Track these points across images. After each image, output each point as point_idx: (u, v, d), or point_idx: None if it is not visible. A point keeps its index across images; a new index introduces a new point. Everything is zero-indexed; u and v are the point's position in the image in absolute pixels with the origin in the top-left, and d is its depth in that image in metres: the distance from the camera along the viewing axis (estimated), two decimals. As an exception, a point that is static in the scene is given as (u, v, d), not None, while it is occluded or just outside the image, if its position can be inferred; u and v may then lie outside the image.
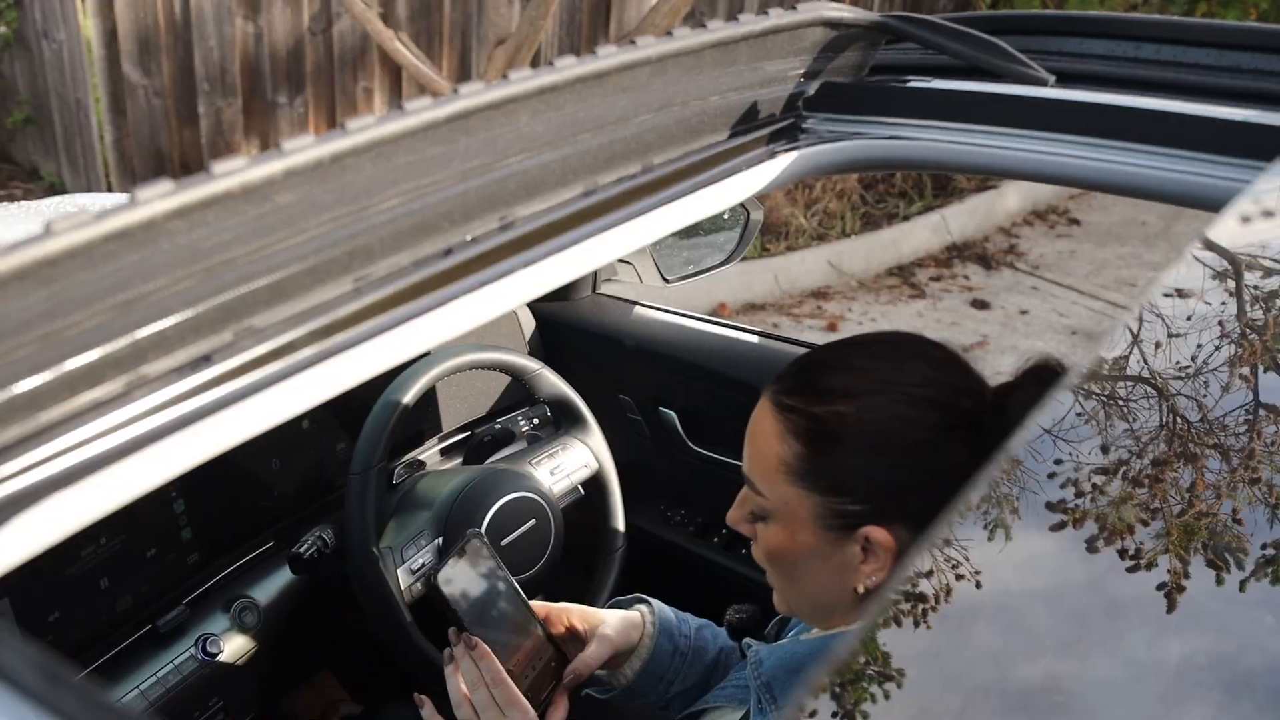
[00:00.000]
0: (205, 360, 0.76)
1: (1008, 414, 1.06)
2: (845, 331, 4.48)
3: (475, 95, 0.88)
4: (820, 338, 4.10)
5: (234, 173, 0.73)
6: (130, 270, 0.72)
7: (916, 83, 1.22)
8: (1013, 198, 5.67)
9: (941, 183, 5.61)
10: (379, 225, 0.87)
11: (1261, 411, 0.87)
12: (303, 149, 0.77)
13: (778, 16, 1.16)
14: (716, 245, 2.26)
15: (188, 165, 4.97)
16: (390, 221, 0.88)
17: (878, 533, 1.07)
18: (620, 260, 2.17)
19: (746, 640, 1.24)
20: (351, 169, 0.83)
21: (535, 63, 5.29)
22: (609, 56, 0.98)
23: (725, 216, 2.21)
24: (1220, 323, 0.96)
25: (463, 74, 5.40)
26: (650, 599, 1.48)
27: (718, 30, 1.09)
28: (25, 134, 5.23)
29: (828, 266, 4.93)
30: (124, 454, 0.69)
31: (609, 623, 1.41)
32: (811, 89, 1.23)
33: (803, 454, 1.09)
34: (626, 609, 1.46)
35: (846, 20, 1.23)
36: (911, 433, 1.06)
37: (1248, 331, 0.99)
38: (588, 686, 1.45)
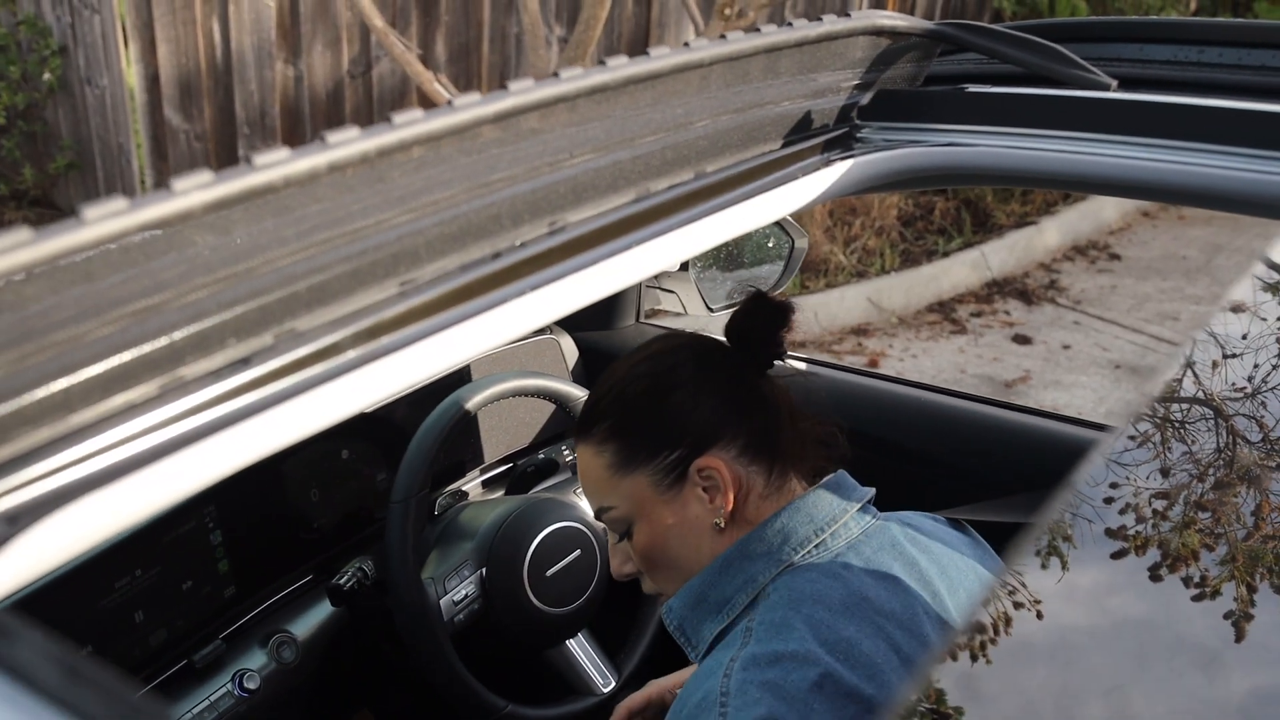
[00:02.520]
0: (244, 363, 0.73)
1: (742, 333, 1.27)
2: (885, 368, 4.42)
3: (526, 93, 0.84)
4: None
5: (277, 164, 0.70)
6: (167, 265, 0.69)
7: (974, 89, 1.19)
8: (1052, 234, 5.61)
9: (980, 219, 5.56)
10: (425, 228, 0.84)
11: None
12: (348, 142, 0.74)
13: (831, 23, 1.13)
14: (761, 274, 2.23)
15: (227, 208, 5.01)
16: (437, 224, 0.84)
17: (706, 460, 1.19)
18: (664, 290, 2.14)
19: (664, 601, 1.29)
20: (398, 166, 0.80)
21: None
22: (662, 58, 0.95)
23: (770, 245, 2.18)
24: (1278, 339, 0.93)
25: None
26: None
27: (771, 35, 1.06)
28: (67, 179, 5.29)
29: (867, 303, 4.88)
30: (157, 457, 0.66)
31: None
32: (865, 98, 1.20)
33: (616, 447, 1.22)
34: None
35: (901, 28, 1.20)
36: (673, 375, 1.22)
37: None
38: None
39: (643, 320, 2.22)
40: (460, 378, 1.84)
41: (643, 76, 0.95)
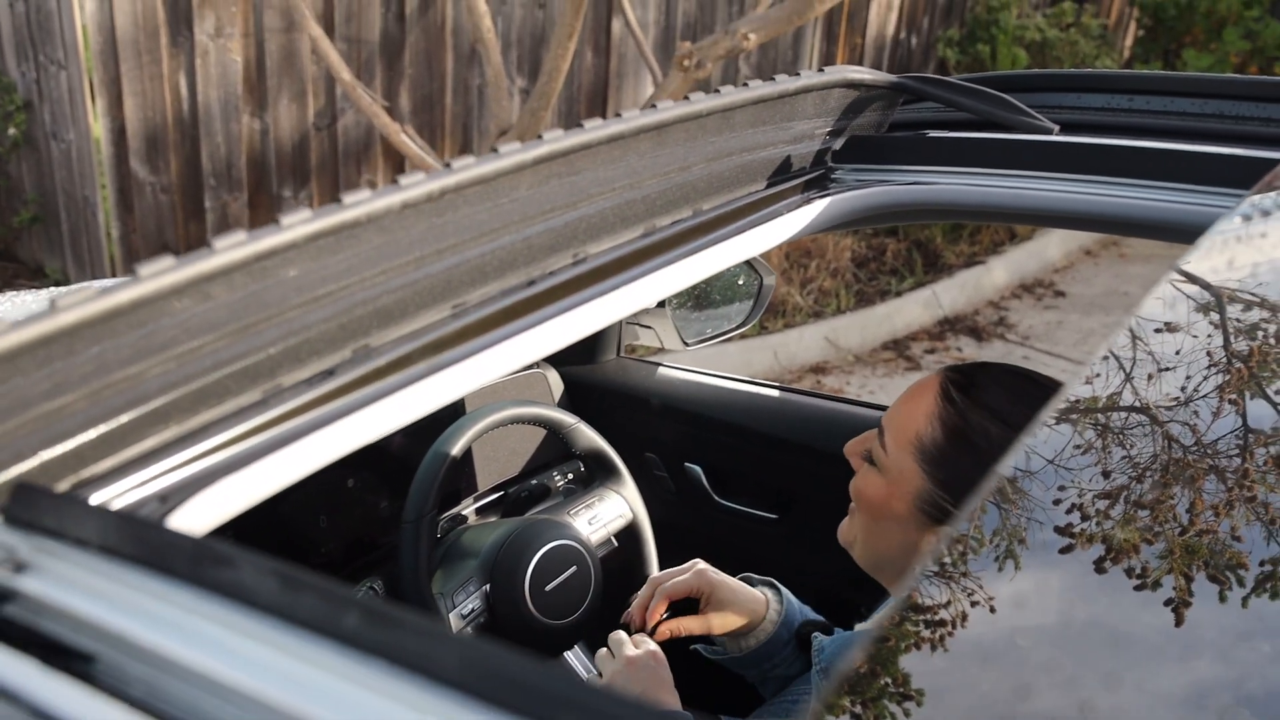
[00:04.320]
0: (329, 373, 0.85)
1: None
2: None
3: (557, 141, 0.98)
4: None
5: (361, 203, 0.82)
6: (268, 289, 0.81)
7: (935, 134, 1.33)
8: (1000, 272, 5.81)
9: (931, 259, 5.76)
10: (472, 259, 0.96)
11: (1250, 435, 0.92)
12: (417, 184, 0.86)
13: (808, 77, 1.27)
14: (732, 311, 2.37)
15: (195, 259, 5.08)
16: (481, 255, 0.97)
17: None
18: (642, 326, 2.27)
19: (815, 632, 1.32)
20: (451, 205, 0.92)
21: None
22: (668, 110, 1.08)
23: (740, 283, 2.32)
24: (1208, 352, 1.02)
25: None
26: (780, 586, 1.56)
27: (758, 89, 1.20)
28: (31, 233, 5.34)
29: (825, 342, 5.04)
30: (268, 451, 0.77)
31: (724, 613, 1.50)
32: (838, 143, 1.34)
33: (940, 443, 1.18)
34: (755, 586, 1.55)
35: (868, 81, 1.34)
36: None
37: (1233, 359, 1.05)
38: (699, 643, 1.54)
39: (622, 355, 2.34)
40: (455, 410, 1.95)
41: (651, 126, 1.08)
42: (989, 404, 1.18)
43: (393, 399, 0.86)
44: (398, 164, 5.35)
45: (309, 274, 0.83)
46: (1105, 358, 0.99)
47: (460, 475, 2.01)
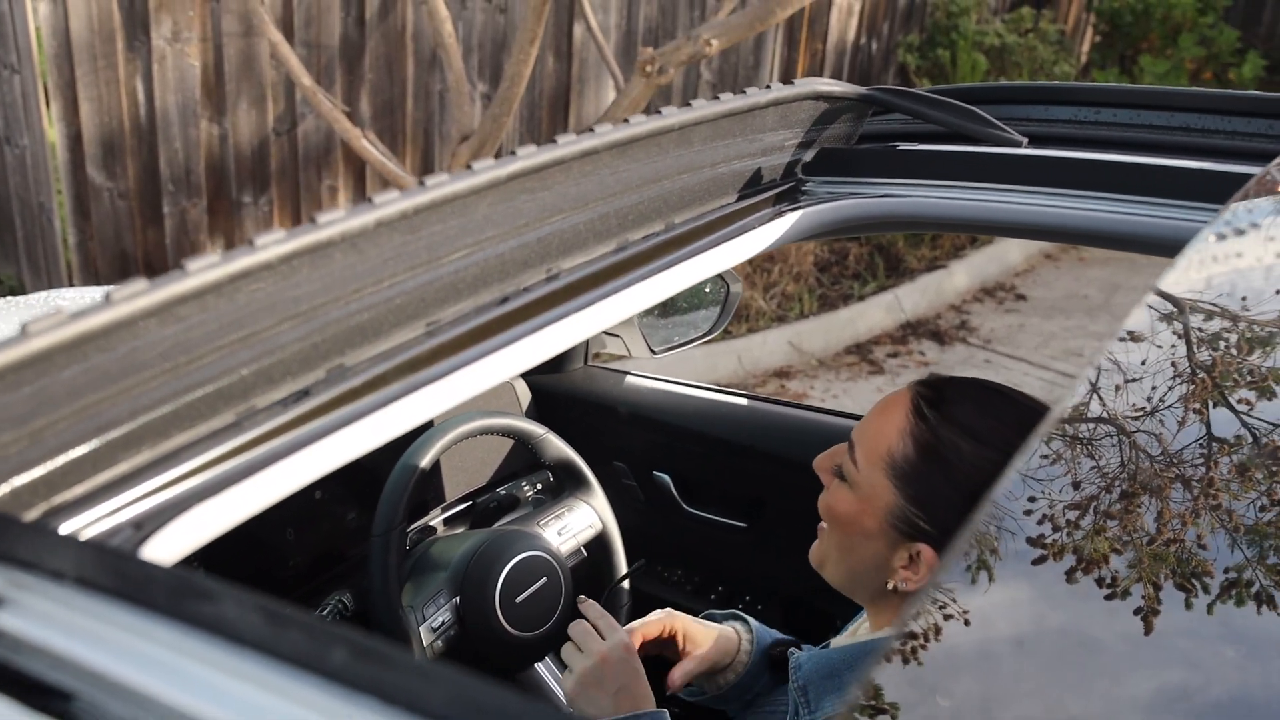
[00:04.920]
0: (305, 394, 0.84)
1: None
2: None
3: (530, 157, 0.97)
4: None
5: (335, 222, 0.82)
6: (242, 310, 0.80)
7: (904, 147, 1.34)
8: (961, 276, 5.86)
9: (893, 264, 5.79)
10: (445, 275, 0.95)
11: (1214, 444, 0.94)
12: (392, 202, 0.85)
13: (778, 90, 1.27)
14: (699, 319, 2.37)
15: (152, 265, 5.02)
16: (454, 272, 0.96)
17: (930, 553, 1.17)
18: (609, 334, 2.27)
19: (791, 648, 1.32)
20: (425, 223, 0.92)
21: (498, 157, 5.43)
22: (640, 124, 1.08)
23: (707, 290, 2.32)
24: (1172, 363, 1.04)
25: (425, 170, 5.53)
26: (748, 619, 1.55)
27: (729, 102, 1.20)
28: (-15, 239, 5.26)
29: (788, 346, 5.06)
30: (245, 475, 0.76)
31: (706, 646, 1.48)
32: (809, 155, 1.35)
33: (911, 459, 1.19)
34: (722, 623, 1.54)
35: (837, 93, 1.34)
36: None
37: (1197, 370, 1.06)
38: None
39: (590, 364, 2.34)
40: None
41: (623, 140, 1.08)
42: (960, 419, 1.18)
43: (369, 420, 0.86)
44: (358, 170, 5.32)
45: (282, 294, 0.82)
46: (1093, 377, 1.00)
47: (428, 486, 2.00)
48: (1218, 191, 1.16)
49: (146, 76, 4.75)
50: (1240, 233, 1.04)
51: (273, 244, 0.78)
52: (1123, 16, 7.51)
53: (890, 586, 1.20)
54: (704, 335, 2.30)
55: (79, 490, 0.70)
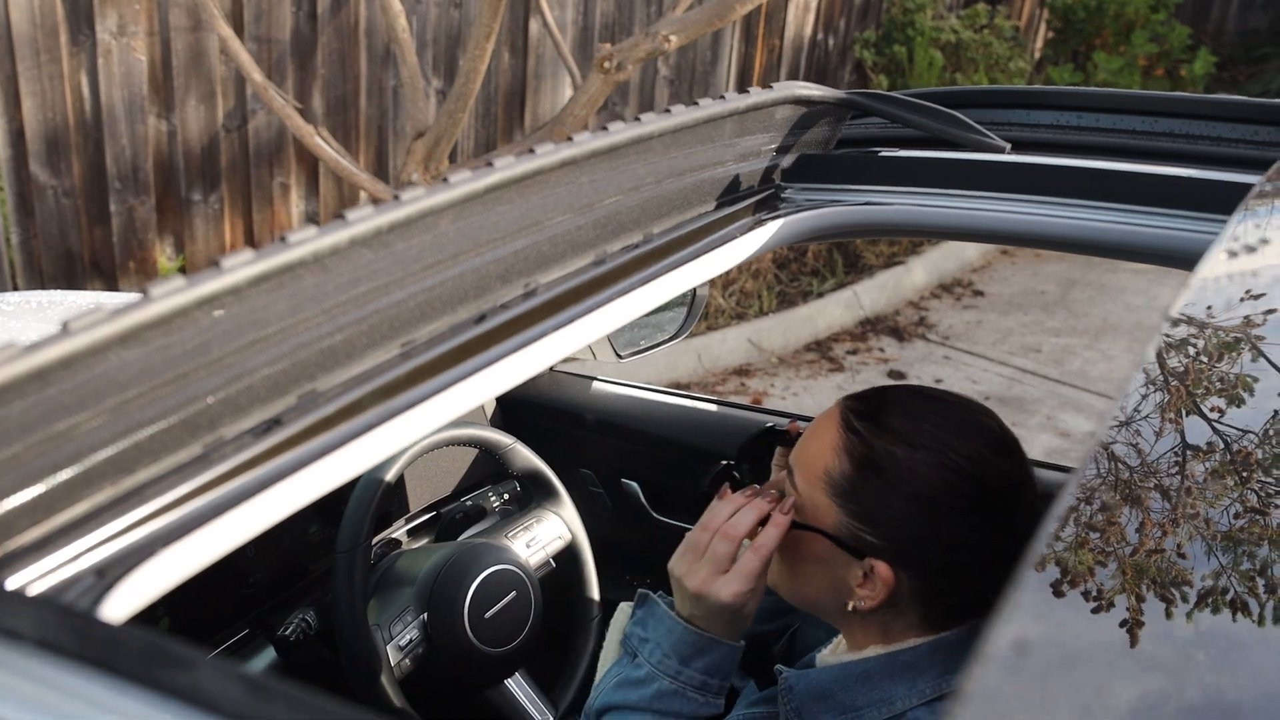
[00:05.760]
0: (276, 422, 0.79)
1: (1037, 516, 1.10)
2: (769, 406, 4.56)
3: (507, 169, 0.93)
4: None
5: (306, 241, 0.77)
6: (207, 334, 0.75)
7: (886, 153, 1.31)
8: (919, 273, 5.87)
9: (851, 261, 5.79)
10: (418, 293, 0.91)
11: (1188, 451, 0.94)
12: (365, 218, 0.81)
13: (756, 95, 1.24)
14: (664, 321, 2.33)
15: (99, 265, 4.91)
16: (428, 289, 0.92)
17: (883, 568, 1.14)
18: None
19: (778, 667, 1.28)
20: (398, 238, 0.87)
21: (453, 157, 5.36)
22: (619, 131, 1.04)
23: (672, 292, 2.28)
24: (1144, 370, 1.04)
25: (380, 167, 5.45)
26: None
27: (708, 107, 1.16)
28: (-74, 238, 5.12)
29: (748, 344, 5.04)
30: (215, 514, 0.72)
31: None
32: (787, 161, 1.31)
33: (849, 474, 1.17)
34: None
35: (815, 97, 1.31)
36: (946, 496, 1.13)
37: (1170, 379, 1.05)
38: None
39: (555, 369, 2.30)
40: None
41: (602, 149, 1.04)
42: (892, 427, 1.17)
43: (344, 450, 0.81)
44: (311, 167, 5.23)
45: (250, 316, 0.78)
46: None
47: (392, 497, 1.95)
48: (1204, 199, 1.14)
49: (91, 71, 4.64)
50: (1248, 249, 1.02)
51: (241, 265, 0.73)
52: (1076, 13, 7.56)
53: (850, 608, 1.18)
54: (671, 338, 2.26)
55: (34, 534, 0.65)
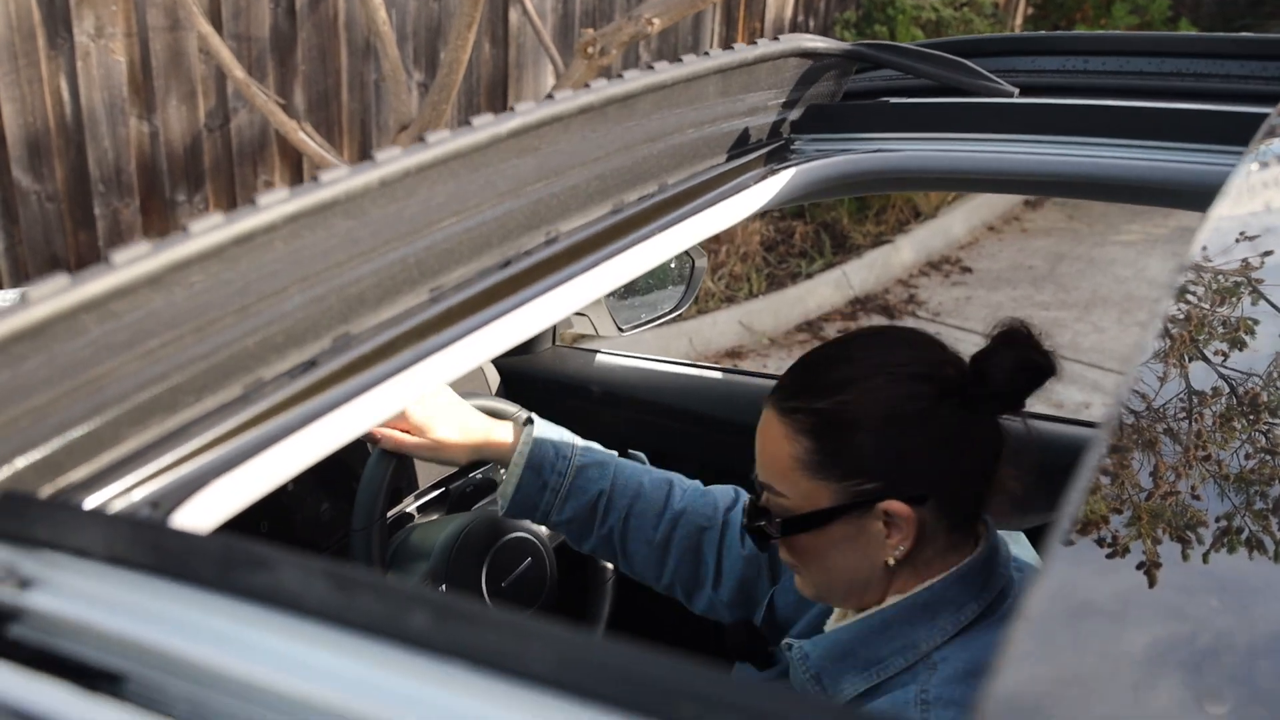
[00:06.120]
0: (311, 365, 0.79)
1: (988, 378, 1.15)
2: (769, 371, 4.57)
3: (529, 113, 0.93)
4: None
5: (337, 181, 0.77)
6: (246, 276, 0.75)
7: (895, 101, 1.31)
8: (907, 251, 5.88)
9: (839, 241, 5.80)
10: (446, 239, 0.91)
11: (1194, 396, 0.94)
12: (393, 160, 0.81)
13: (764, 47, 1.24)
14: (665, 295, 2.33)
15: (85, 269, 4.89)
16: (455, 236, 0.92)
17: (895, 505, 1.14)
18: (576, 313, 2.22)
19: (786, 640, 1.28)
20: (425, 183, 0.87)
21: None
22: (634, 79, 1.04)
23: (673, 266, 2.29)
24: (1165, 318, 1.04)
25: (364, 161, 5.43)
26: (548, 434, 1.59)
27: (718, 58, 1.16)
28: (-92, 247, 5.08)
29: (739, 326, 5.04)
30: (257, 449, 0.71)
31: (446, 430, 1.59)
32: (796, 113, 1.31)
33: (814, 448, 1.16)
34: (518, 421, 1.60)
35: (822, 50, 1.31)
36: (908, 405, 1.14)
37: (1170, 326, 1.05)
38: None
39: (558, 344, 2.30)
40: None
41: (618, 97, 1.04)
42: (822, 385, 1.17)
43: (378, 390, 0.81)
44: (295, 163, 5.21)
45: (285, 259, 0.78)
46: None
47: (402, 474, 1.94)
48: (1216, 131, 1.14)
49: (71, 74, 4.61)
50: (1269, 181, 1.02)
51: (276, 204, 0.73)
52: (1055, -12, 7.60)
53: (890, 562, 1.17)
54: (671, 311, 2.26)
55: (87, 470, 0.65)
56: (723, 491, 1.59)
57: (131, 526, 0.57)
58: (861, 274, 5.58)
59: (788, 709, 0.41)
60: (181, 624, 0.50)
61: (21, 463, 0.62)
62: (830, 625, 1.30)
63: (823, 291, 5.40)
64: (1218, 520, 0.79)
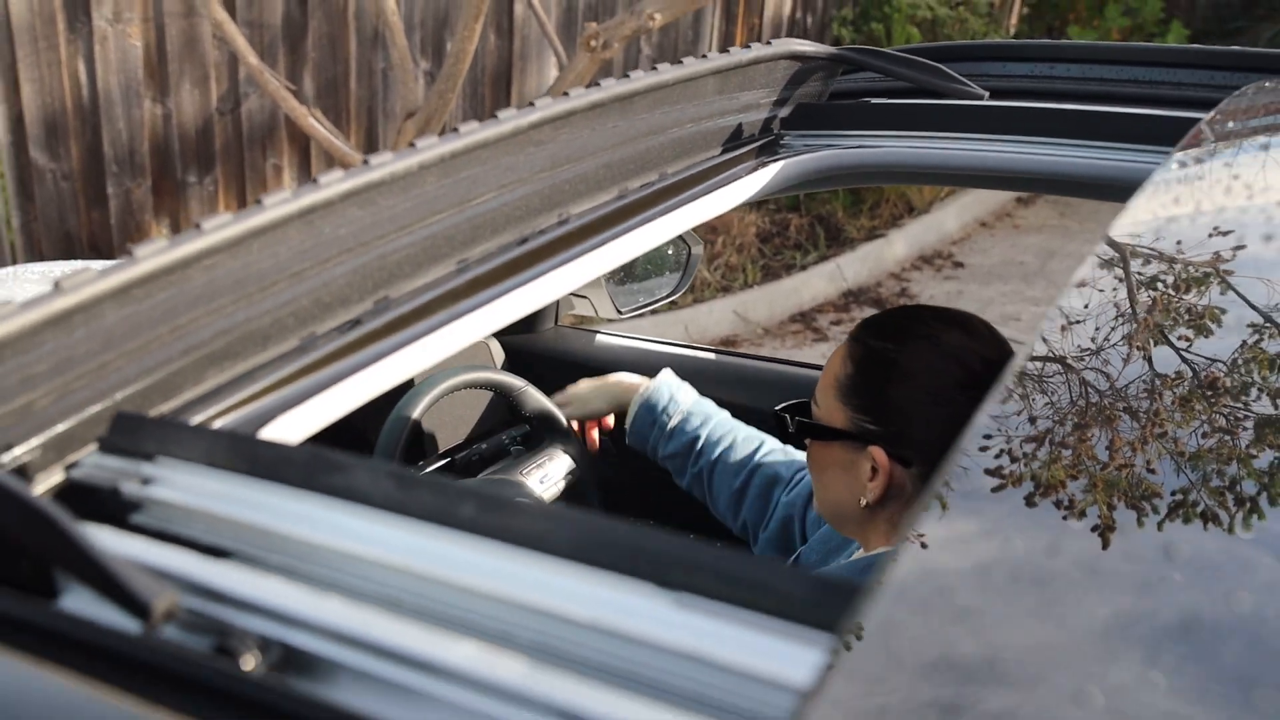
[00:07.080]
0: (355, 323, 0.92)
1: None
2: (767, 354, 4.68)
3: (548, 108, 1.05)
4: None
5: (386, 164, 0.89)
6: (303, 243, 0.87)
7: (876, 101, 1.44)
8: (900, 245, 6.01)
9: (833, 234, 5.92)
10: (472, 218, 1.03)
11: (1157, 378, 1.00)
12: (430, 147, 0.93)
13: (757, 50, 1.36)
14: (663, 281, 2.46)
15: (97, 247, 5.00)
16: (479, 215, 1.04)
17: (880, 454, 1.29)
18: (578, 296, 2.35)
19: (798, 551, 1.43)
20: (457, 168, 0.99)
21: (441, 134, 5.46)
22: (640, 79, 1.17)
23: (670, 252, 2.41)
24: (1114, 304, 1.11)
25: (370, 147, 5.54)
26: (670, 381, 1.88)
27: (715, 60, 1.29)
28: (-76, 224, 5.20)
29: (734, 316, 5.16)
30: (315, 391, 0.84)
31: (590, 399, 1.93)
32: (786, 111, 1.44)
33: (852, 375, 1.33)
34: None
35: (810, 53, 1.44)
36: (932, 379, 1.28)
37: (1138, 310, 1.15)
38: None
39: (560, 324, 2.42)
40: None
41: (625, 94, 1.16)
42: (889, 331, 1.33)
43: (414, 346, 0.93)
44: (303, 148, 5.33)
45: (336, 232, 0.90)
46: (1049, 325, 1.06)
47: (414, 443, 2.06)
48: (1166, 135, 1.26)
49: (88, 57, 4.72)
50: (1184, 179, 1.14)
51: (334, 183, 0.86)
52: (1049, -11, 7.72)
53: (863, 504, 1.31)
54: (669, 295, 2.39)
55: (174, 403, 0.77)
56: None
57: (230, 438, 0.69)
58: (855, 267, 5.70)
59: (763, 574, 0.53)
60: (280, 512, 0.62)
61: (120, 395, 0.74)
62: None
63: (816, 283, 5.52)
64: (1173, 494, 0.82)
